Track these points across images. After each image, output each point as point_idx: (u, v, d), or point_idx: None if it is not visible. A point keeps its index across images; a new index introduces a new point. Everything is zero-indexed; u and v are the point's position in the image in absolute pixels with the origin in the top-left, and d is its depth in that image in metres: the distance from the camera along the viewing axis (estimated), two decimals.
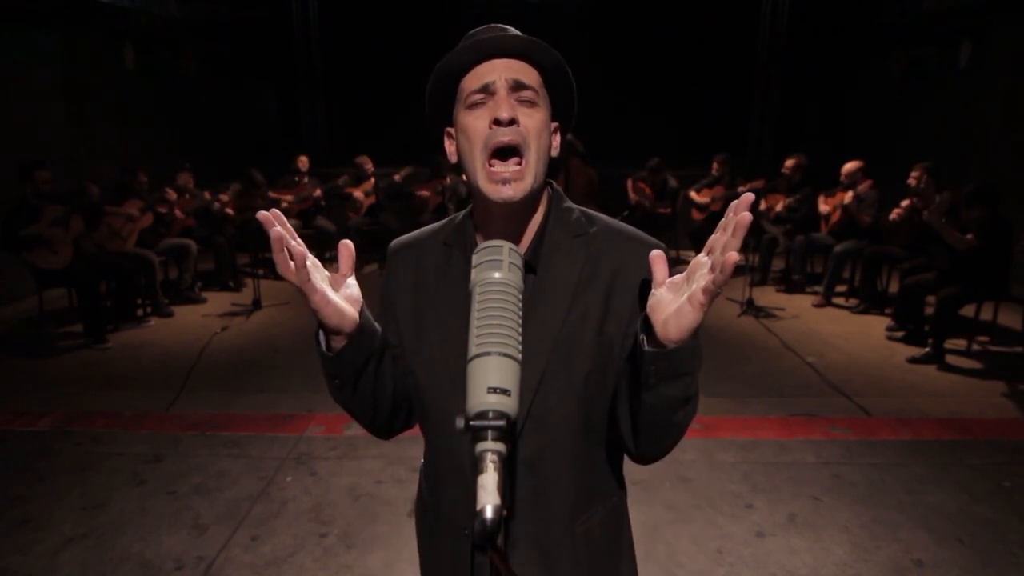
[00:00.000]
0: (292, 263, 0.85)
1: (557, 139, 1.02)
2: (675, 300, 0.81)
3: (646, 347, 0.83)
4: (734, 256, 0.73)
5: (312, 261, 0.89)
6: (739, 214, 0.75)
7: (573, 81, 0.99)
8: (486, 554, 1.01)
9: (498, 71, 0.93)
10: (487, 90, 0.93)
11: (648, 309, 0.84)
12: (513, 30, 0.99)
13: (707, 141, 8.83)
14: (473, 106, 0.94)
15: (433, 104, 1.01)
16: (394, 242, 1.14)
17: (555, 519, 1.02)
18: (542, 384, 0.96)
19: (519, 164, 0.93)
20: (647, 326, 0.84)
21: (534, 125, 0.94)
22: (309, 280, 0.86)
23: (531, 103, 0.94)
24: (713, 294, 0.76)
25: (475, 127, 0.94)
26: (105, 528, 2.76)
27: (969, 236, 4.54)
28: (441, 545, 1.09)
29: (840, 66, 9.32)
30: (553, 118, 1.00)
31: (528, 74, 0.95)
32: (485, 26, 1.00)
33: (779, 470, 3.24)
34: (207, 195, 6.42)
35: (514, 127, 0.92)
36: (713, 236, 0.78)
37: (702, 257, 0.80)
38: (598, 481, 1.06)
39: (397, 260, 1.11)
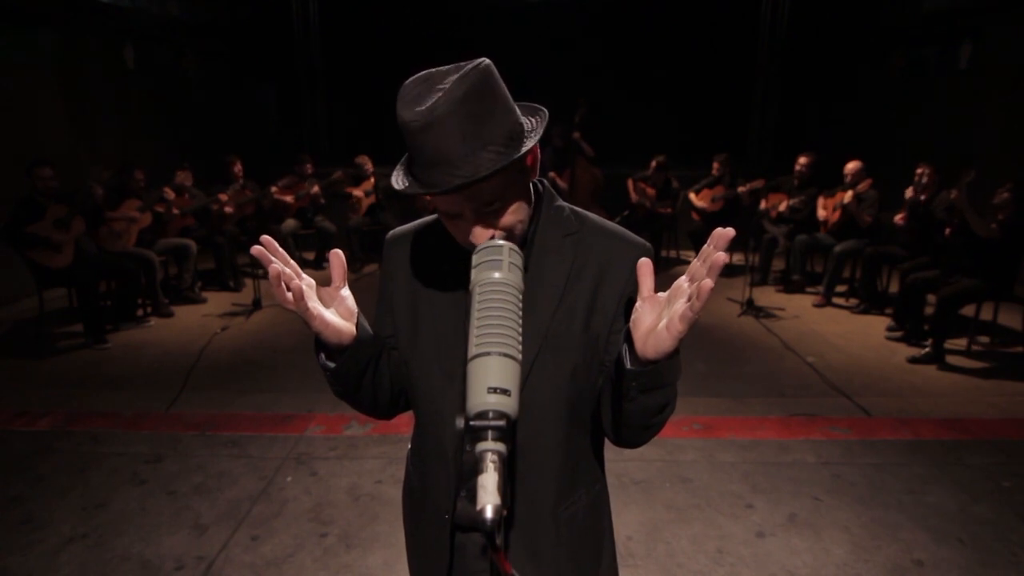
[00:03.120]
0: (290, 295, 0.88)
1: (536, 152, 0.98)
2: (655, 320, 0.84)
3: (627, 364, 0.86)
4: (709, 284, 0.75)
5: (308, 283, 0.93)
6: (717, 251, 0.76)
7: (537, 141, 0.93)
8: (468, 539, 1.06)
9: (460, 203, 0.91)
10: (454, 215, 0.93)
11: (631, 323, 0.86)
12: (458, 100, 0.84)
13: (707, 141, 8.82)
14: (443, 214, 0.95)
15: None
16: (391, 233, 1.17)
17: (540, 505, 1.05)
18: (530, 376, 0.99)
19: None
20: (629, 340, 0.87)
21: (510, 219, 0.94)
22: (308, 310, 0.91)
23: (500, 206, 0.92)
24: (690, 321, 0.78)
25: (453, 232, 0.97)
26: (105, 528, 2.76)
27: (993, 226, 4.53)
28: (424, 526, 1.13)
29: (840, 66, 9.33)
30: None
31: (488, 191, 0.89)
32: (425, 111, 0.84)
33: (779, 470, 3.24)
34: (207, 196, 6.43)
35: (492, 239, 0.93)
36: (693, 264, 0.80)
37: (684, 283, 0.81)
38: (582, 469, 1.10)
39: (393, 251, 1.14)
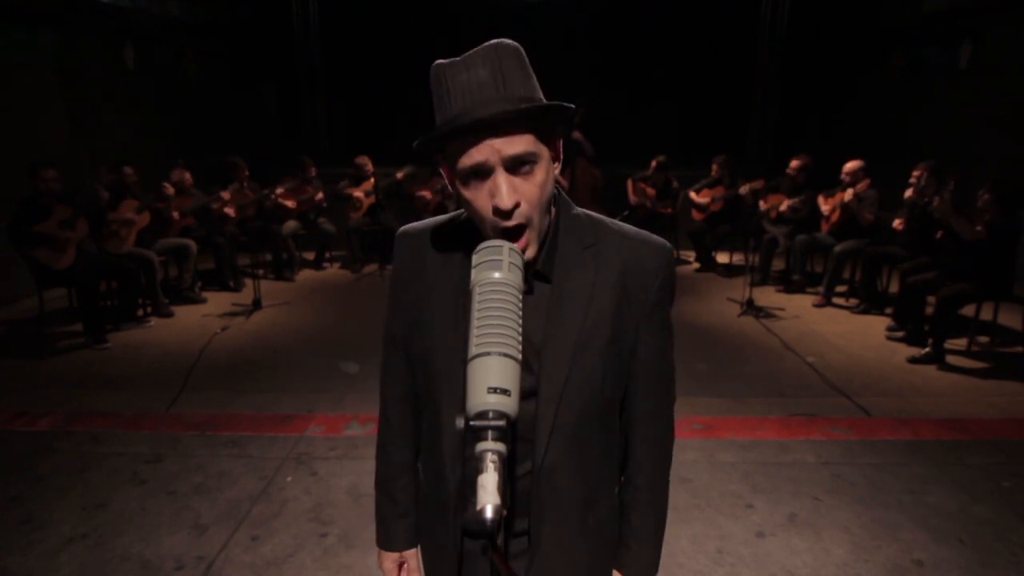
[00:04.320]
0: None
1: (559, 147, 0.99)
2: None
3: None
4: None
5: None
6: None
7: (569, 106, 0.93)
8: (476, 541, 1.07)
9: (491, 148, 0.87)
10: (481, 170, 0.89)
11: None
12: (497, 62, 0.89)
13: (707, 141, 8.83)
14: (468, 180, 0.91)
15: (424, 154, 0.98)
16: (400, 230, 1.16)
17: (571, 514, 1.06)
18: (564, 394, 0.99)
19: (525, 238, 0.93)
20: None
21: (536, 191, 0.91)
22: None
23: (529, 170, 0.90)
24: None
25: (477, 203, 0.92)
26: (105, 528, 2.76)
27: (978, 228, 4.54)
28: (433, 528, 1.14)
29: (840, 66, 9.33)
30: (551, 128, 0.97)
31: (523, 142, 0.89)
32: (463, 61, 0.89)
33: (779, 470, 3.24)
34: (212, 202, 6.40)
35: (517, 210, 0.90)
36: None
37: None
38: (607, 473, 1.11)
39: (403, 247, 1.13)
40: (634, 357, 1.05)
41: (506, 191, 0.88)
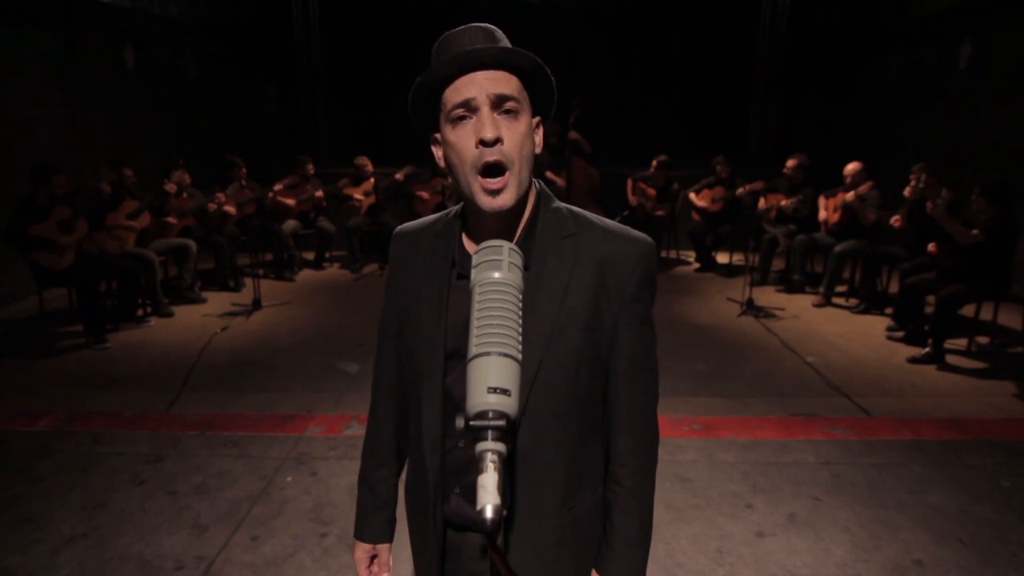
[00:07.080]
0: None
1: (540, 134, 1.04)
2: None
3: None
4: None
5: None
6: None
7: (552, 78, 1.00)
8: (459, 532, 1.08)
9: (478, 85, 0.94)
10: (469, 106, 0.94)
11: None
12: (492, 29, 0.99)
13: (707, 141, 8.83)
14: (457, 121, 0.96)
15: (417, 114, 1.03)
16: (397, 229, 1.20)
17: (545, 506, 1.06)
18: (537, 379, 1.00)
19: (506, 177, 0.96)
20: None
21: (517, 137, 0.96)
22: None
23: (513, 113, 0.96)
24: None
25: (462, 145, 0.96)
26: (105, 528, 2.76)
27: (974, 231, 4.54)
28: (419, 521, 1.15)
29: (840, 66, 9.33)
30: (535, 112, 1.02)
31: (508, 83, 0.95)
32: (462, 28, 0.99)
33: (779, 470, 3.24)
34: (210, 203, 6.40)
35: (498, 146, 0.94)
36: None
37: None
38: (587, 469, 1.11)
39: (396, 246, 1.17)
40: (613, 352, 1.05)
41: (490, 124, 0.94)
